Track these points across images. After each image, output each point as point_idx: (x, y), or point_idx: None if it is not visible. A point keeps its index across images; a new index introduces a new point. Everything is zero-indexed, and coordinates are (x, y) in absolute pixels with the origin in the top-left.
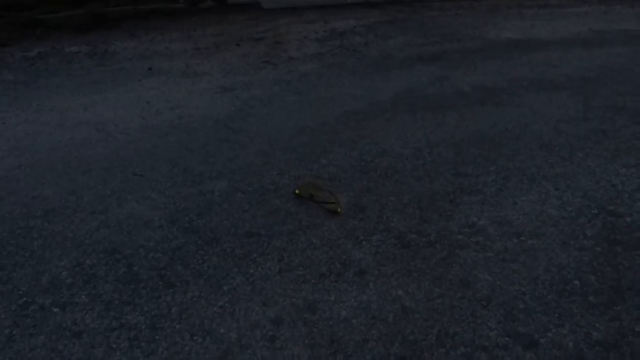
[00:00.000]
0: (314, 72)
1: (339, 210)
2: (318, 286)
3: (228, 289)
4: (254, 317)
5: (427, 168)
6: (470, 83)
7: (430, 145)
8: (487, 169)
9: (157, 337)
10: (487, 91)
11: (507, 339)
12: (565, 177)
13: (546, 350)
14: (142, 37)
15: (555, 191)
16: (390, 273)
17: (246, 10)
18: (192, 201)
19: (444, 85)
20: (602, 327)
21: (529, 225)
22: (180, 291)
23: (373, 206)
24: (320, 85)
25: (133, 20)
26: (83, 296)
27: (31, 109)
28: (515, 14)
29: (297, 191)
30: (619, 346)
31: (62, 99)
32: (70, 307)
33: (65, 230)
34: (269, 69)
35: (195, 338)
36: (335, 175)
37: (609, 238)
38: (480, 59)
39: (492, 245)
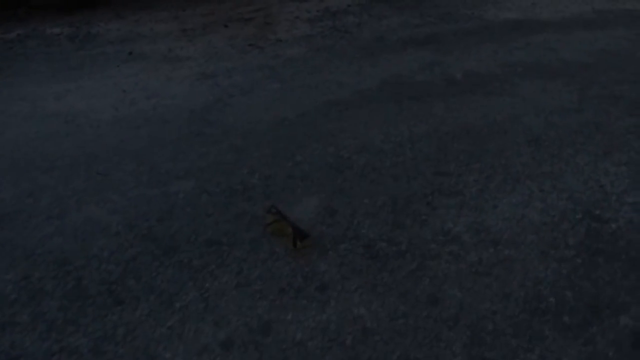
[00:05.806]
0: (300, 57)
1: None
2: (275, 303)
3: (180, 306)
4: (203, 339)
5: (406, 166)
6: (462, 69)
7: (412, 140)
8: (469, 167)
9: None
10: (479, 78)
11: None
12: (552, 177)
13: None
14: (128, 18)
15: (539, 192)
16: (354, 288)
17: None
18: (155, 204)
19: (435, 71)
20: (574, 351)
21: (507, 232)
22: (128, 309)
23: (344, 210)
24: (305, 72)
25: None
26: (25, 315)
27: (1, 97)
28: None
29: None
30: None
31: (34, 87)
32: (10, 327)
33: (17, 238)
34: (254, 52)
35: None
36: (308, 174)
37: (591, 247)
38: (475, 42)
39: (466, 255)
